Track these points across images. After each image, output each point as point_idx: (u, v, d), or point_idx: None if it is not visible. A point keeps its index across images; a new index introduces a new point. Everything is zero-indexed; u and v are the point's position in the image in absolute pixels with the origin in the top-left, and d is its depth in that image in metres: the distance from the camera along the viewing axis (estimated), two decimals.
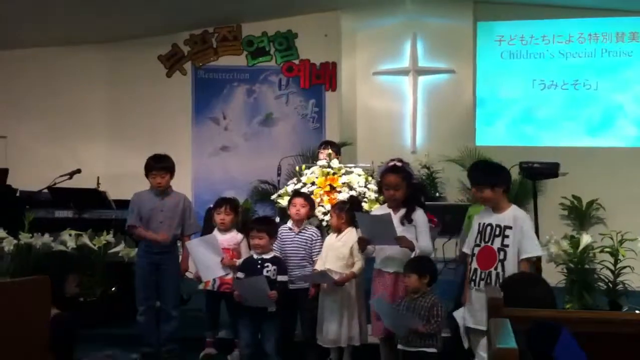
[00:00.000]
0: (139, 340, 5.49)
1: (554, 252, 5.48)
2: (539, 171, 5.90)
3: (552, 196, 8.02)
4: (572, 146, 8.87)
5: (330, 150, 6.33)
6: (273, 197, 6.22)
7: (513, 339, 2.04)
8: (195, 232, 5.71)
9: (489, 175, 4.25)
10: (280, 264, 4.99)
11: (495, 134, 9.33)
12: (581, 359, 2.39)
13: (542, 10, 9.09)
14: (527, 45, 9.28)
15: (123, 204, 6.03)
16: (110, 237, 6.17)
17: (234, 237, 5.46)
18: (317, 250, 5.19)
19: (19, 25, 8.69)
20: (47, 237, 6.05)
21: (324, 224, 5.60)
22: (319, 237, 5.26)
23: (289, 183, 6.18)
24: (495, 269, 4.10)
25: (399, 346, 4.45)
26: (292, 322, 5.36)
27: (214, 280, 5.35)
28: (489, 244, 4.16)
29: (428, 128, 9.31)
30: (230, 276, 5.21)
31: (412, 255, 4.59)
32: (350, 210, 5.03)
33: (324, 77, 9.27)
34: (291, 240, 5.26)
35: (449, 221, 6.09)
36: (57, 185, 6.52)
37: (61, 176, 6.55)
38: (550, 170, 5.91)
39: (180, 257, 5.60)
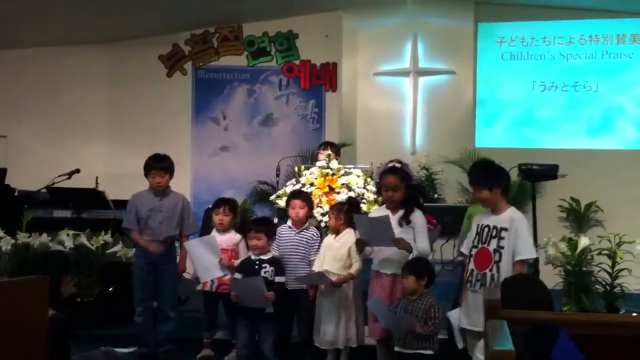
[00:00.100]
0: (136, 341, 5.48)
1: (551, 254, 5.46)
2: (538, 173, 5.91)
3: (551, 198, 8.03)
4: (571, 148, 8.88)
5: (329, 151, 6.31)
6: (272, 197, 6.21)
7: (510, 341, 2.03)
8: (193, 233, 5.69)
9: (487, 176, 4.24)
10: (278, 264, 4.98)
11: (495, 136, 9.33)
12: None
13: (543, 12, 9.10)
14: (527, 46, 9.28)
15: (122, 204, 6.00)
16: (108, 237, 6.16)
17: (232, 237, 5.45)
18: (315, 250, 5.18)
19: (19, 25, 8.70)
20: (44, 237, 6.03)
21: (322, 224, 5.59)
22: (318, 238, 5.23)
23: (287, 184, 6.17)
24: (490, 270, 4.09)
25: (396, 348, 4.44)
26: (289, 323, 5.35)
27: (212, 280, 5.33)
28: (486, 245, 4.15)
29: (428, 129, 9.31)
30: (228, 277, 5.19)
31: (410, 257, 4.58)
32: (348, 212, 5.01)
33: (324, 78, 9.28)
34: (291, 240, 5.24)
35: (447, 223, 6.07)
36: (56, 185, 6.51)
37: (60, 176, 6.55)
38: (549, 172, 5.91)
39: (178, 258, 5.58)
